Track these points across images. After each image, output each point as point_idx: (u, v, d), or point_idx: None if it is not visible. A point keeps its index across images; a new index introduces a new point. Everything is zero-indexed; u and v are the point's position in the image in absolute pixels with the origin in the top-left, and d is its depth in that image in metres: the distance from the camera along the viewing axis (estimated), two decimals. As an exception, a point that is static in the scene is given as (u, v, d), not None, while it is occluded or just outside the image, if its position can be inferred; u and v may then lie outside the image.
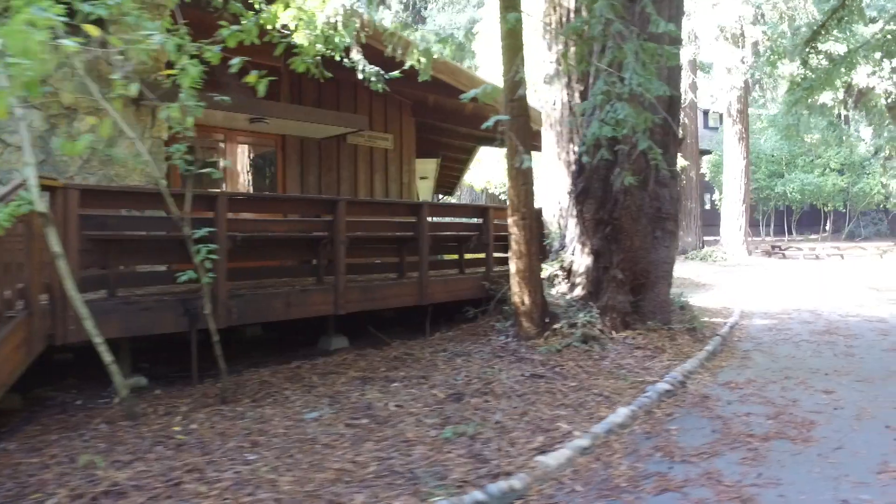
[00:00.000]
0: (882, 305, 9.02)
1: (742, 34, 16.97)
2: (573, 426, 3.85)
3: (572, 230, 6.46)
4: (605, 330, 5.82)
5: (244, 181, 9.00)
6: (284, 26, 5.91)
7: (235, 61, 4.18)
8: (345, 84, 9.16)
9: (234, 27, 4.38)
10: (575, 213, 6.26)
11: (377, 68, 6.50)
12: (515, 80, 5.47)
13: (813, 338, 6.75)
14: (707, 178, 25.70)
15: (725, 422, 4.00)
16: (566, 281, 6.45)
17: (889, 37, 6.80)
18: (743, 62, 16.15)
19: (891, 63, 7.58)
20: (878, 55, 7.27)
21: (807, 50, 7.35)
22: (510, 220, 5.75)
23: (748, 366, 5.52)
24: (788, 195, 24.27)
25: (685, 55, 17.88)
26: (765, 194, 25.28)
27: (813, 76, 7.10)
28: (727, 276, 13.76)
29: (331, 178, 9.68)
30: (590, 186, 6.03)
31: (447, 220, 8.06)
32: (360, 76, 6.56)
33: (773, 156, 25.04)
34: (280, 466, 3.29)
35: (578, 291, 6.19)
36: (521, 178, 5.67)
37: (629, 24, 5.17)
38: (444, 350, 5.82)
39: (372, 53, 6.97)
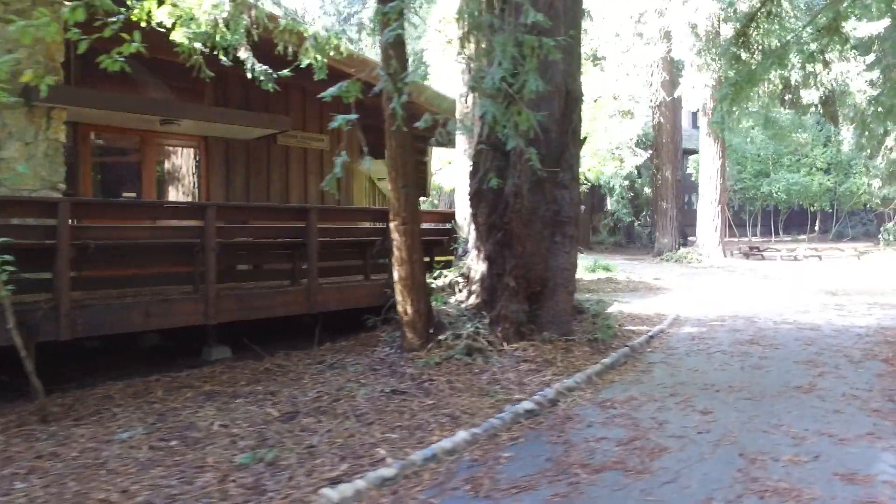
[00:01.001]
0: (826, 311, 8.59)
1: (717, 32, 16.51)
2: (393, 452, 3.51)
3: (472, 235, 6.12)
4: (496, 341, 5.46)
5: (161, 185, 8.73)
6: (160, 24, 5.62)
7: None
8: (276, 84, 8.86)
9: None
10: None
11: (265, 67, 6.18)
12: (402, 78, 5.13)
13: (732, 348, 6.35)
14: (694, 179, 25.20)
15: (569, 448, 3.64)
16: (466, 289, 6.11)
17: (820, 30, 6.42)
18: (714, 60, 15.67)
19: (823, 57, 7.21)
20: (812, 49, 6.88)
21: (738, 44, 6.96)
22: (391, 226, 5.41)
23: (641, 381, 5.14)
24: (774, 195, 23.73)
25: (658, 53, 17.47)
26: (751, 194, 24.75)
27: (741, 73, 6.72)
28: (691, 279, 13.33)
29: (260, 180, 9.38)
30: (482, 189, 5.68)
31: (366, 224, 7.74)
32: (248, 75, 6.25)
33: (758, 155, 24.51)
34: (39, 498, 3.00)
35: (473, 300, 5.84)
36: (401, 181, 5.34)
37: (506, 16, 4.83)
38: (322, 362, 5.50)
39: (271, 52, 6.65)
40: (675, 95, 17.67)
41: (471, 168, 5.96)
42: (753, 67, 6.60)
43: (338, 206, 9.05)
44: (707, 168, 18.00)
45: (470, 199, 5.83)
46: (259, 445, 3.60)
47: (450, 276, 6.30)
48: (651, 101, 18.75)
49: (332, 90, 4.72)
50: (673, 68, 18.65)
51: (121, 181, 8.77)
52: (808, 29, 6.56)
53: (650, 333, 6.90)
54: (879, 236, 19.53)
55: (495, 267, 5.65)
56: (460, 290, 6.15)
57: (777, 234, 25.67)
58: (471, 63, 6.10)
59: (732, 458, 3.44)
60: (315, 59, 6.35)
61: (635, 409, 4.36)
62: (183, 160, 8.93)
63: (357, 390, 4.61)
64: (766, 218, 26.25)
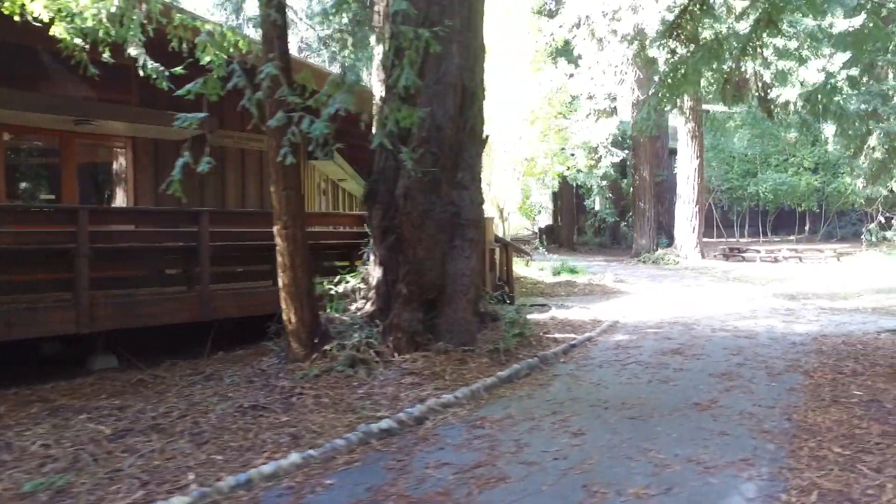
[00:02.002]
0: (773, 317, 8.20)
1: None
2: (206, 478, 3.20)
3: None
4: (387, 352, 5.15)
5: (85, 187, 8.48)
6: (37, 18, 5.35)
7: None
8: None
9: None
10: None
11: (157, 65, 5.90)
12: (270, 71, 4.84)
13: (652, 358, 6.00)
14: (682, 179, 24.71)
15: (400, 476, 3.32)
16: (365, 296, 5.80)
17: (759, 24, 6.06)
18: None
19: (761, 52, 6.84)
20: (754, 44, 6.51)
21: (671, 37, 6.59)
22: (274, 230, 5.11)
23: (532, 396, 4.81)
24: (761, 195, 23.22)
25: (632, 50, 17.05)
26: (738, 194, 24.25)
27: (673, 68, 6.35)
28: (656, 282, 12.95)
29: (192, 182, 9.08)
30: (377, 190, 5.36)
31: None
32: (140, 73, 5.97)
33: (746, 155, 24.00)
34: None
35: (369, 307, 5.53)
36: (282, 183, 5.03)
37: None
38: (201, 373, 5.21)
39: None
40: (651, 93, 17.25)
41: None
42: (684, 61, 6.25)
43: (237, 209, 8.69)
44: (685, 168, 17.60)
45: (364, 201, 5.52)
46: (67, 469, 3.31)
47: (352, 281, 6.01)
48: (631, 100, 18.35)
49: (191, 86, 4.43)
50: (648, 66, 18.25)
51: (40, 183, 8.53)
52: (744, 23, 6.22)
53: (573, 342, 6.57)
54: (862, 237, 19.03)
55: (390, 273, 5.34)
56: (361, 297, 5.85)
57: (766, 234, 25.15)
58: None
59: (572, 491, 3.11)
60: (215, 55, 6.05)
61: (504, 430, 4.03)
62: (109, 161, 8.67)
63: (215, 405, 4.31)
64: (754, 218, 25.73)
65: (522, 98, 11.35)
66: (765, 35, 6.31)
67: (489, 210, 12.66)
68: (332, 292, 5.91)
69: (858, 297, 10.25)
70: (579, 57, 17.78)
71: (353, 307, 5.83)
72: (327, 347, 5.08)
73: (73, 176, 8.01)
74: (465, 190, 5.36)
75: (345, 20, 4.77)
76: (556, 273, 13.79)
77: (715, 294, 11.05)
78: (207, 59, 6.12)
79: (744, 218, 25.87)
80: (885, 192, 17.81)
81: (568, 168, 15.91)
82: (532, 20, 12.51)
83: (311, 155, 10.90)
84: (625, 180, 24.22)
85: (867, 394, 4.82)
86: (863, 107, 17.07)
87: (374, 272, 5.53)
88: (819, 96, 7.81)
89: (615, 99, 17.25)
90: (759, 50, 6.55)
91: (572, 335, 6.95)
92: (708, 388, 4.96)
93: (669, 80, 6.64)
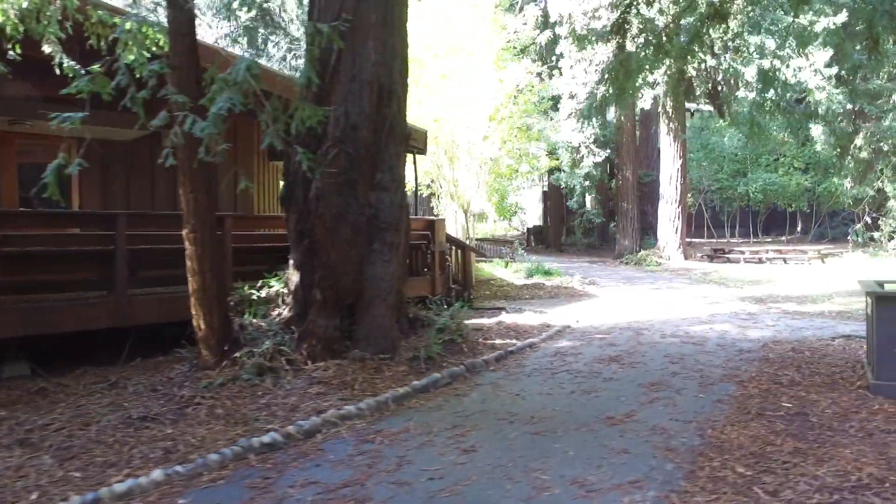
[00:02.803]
0: (729, 323, 7.95)
1: (679, 26, 15.85)
2: (51, 497, 3.04)
3: (298, 242, 5.63)
4: (300, 359, 4.97)
5: (28, 189, 8.33)
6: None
7: None
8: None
9: None
10: (291, 222, 5.42)
11: (72, 63, 5.72)
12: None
13: (587, 367, 5.79)
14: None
15: (259, 496, 3.11)
16: (286, 301, 5.62)
17: (706, 17, 5.83)
18: (666, 55, 15.00)
19: (710, 48, 6.63)
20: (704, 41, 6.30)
21: (617, 32, 6.37)
22: (183, 233, 4.95)
23: (442, 408, 4.60)
24: (751, 195, 22.88)
25: (610, 49, 16.78)
26: (728, 194, 23.92)
27: (618, 65, 6.13)
28: (628, 285, 12.71)
29: (142, 184, 8.95)
30: (292, 193, 5.18)
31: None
32: (57, 71, 5.80)
33: (736, 154, 23.66)
34: None
35: (287, 313, 5.35)
36: (190, 185, 4.86)
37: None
38: (108, 381, 5.04)
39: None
40: (588, 93, 17.00)
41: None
42: (628, 57, 6.03)
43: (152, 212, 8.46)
44: (667, 168, 17.33)
45: (281, 204, 5.34)
46: None
47: (276, 286, 5.83)
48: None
49: (80, 83, 4.26)
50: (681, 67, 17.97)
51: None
52: (690, 18, 5.99)
53: (511, 348, 6.36)
54: (849, 238, 18.69)
55: (307, 277, 5.16)
56: (283, 303, 5.67)
57: (756, 235, 24.80)
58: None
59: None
60: (141, 53, 5.88)
61: (394, 445, 3.84)
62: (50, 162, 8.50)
63: (103, 416, 4.14)
64: (745, 219, 25.37)
65: (486, 97, 11.13)
66: (712, 30, 6.08)
67: (453, 211, 12.43)
68: (255, 297, 5.74)
69: (828, 301, 9.99)
70: (561, 55, 17.55)
71: (275, 313, 5.66)
72: (238, 355, 4.90)
73: (13, 177, 7.87)
74: (385, 191, 5.16)
75: (252, 14, 4.58)
76: (529, 275, 13.58)
77: (682, 297, 10.81)
78: (131, 57, 5.95)
79: (734, 218, 25.53)
80: (871, 193, 17.47)
81: (533, 169, 15.65)
82: (498, 16, 12.28)
83: (272, 156, 10.75)
84: (613, 181, 23.96)
85: (796, 406, 4.61)
86: (849, 106, 16.81)
87: (293, 277, 5.35)
88: (768, 94, 7.55)
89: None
90: (707, 45, 6.31)
91: (514, 341, 6.75)
92: (630, 400, 4.75)
93: (613, 78, 6.40)
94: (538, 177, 21.90)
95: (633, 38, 6.48)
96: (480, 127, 11.41)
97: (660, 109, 17.29)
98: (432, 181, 13.04)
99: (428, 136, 12.40)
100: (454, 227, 13.32)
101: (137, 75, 5.12)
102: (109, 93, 4.48)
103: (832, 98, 14.75)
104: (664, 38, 5.93)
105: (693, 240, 24.28)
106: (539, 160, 14.04)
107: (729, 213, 25.21)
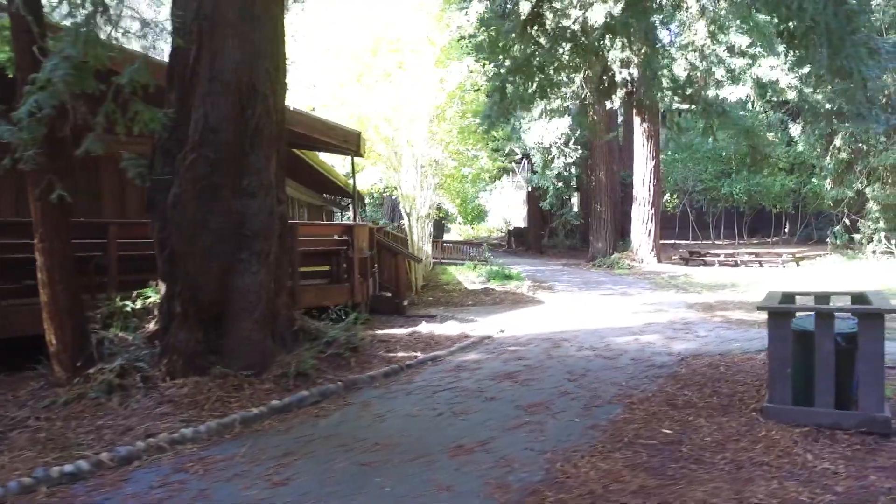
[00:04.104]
0: (659, 333, 7.57)
1: (654, 26, 15.44)
2: None
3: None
4: (159, 375, 4.72)
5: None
6: None
7: None
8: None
9: None
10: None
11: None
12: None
13: (477, 384, 5.49)
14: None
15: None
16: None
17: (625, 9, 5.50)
18: (636, 53, 14.61)
19: (629, 45, 6.27)
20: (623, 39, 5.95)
21: (529, 27, 6.01)
22: (35, 244, 4.71)
23: (290, 431, 4.29)
24: (735, 196, 22.40)
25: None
26: (713, 195, 23.45)
27: (525, 61, 5.77)
28: (581, 290, 12.37)
29: (91, 190, 8.66)
30: (155, 199, 4.92)
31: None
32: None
33: (720, 155, 23.18)
34: None
35: (153, 326, 5.11)
36: (38, 192, 4.62)
37: None
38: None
39: None
40: (600, 89, 16.60)
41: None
42: (534, 54, 5.70)
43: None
44: (640, 169, 16.96)
45: (146, 211, 5.09)
46: None
47: (153, 297, 5.60)
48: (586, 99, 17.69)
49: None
50: (605, 64, 17.56)
51: None
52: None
53: (409, 363, 6.08)
54: (828, 240, 18.20)
55: (169, 289, 4.91)
56: (154, 316, 5.43)
57: (742, 236, 24.31)
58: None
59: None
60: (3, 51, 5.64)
61: (206, 475, 3.57)
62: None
63: (-83, 441, 3.93)
64: (730, 220, 24.89)
65: (427, 97, 10.83)
66: (633, 21, 5.73)
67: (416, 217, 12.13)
68: (129, 309, 5.50)
69: (779, 310, 9.62)
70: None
71: (150, 325, 5.41)
72: (91, 371, 4.67)
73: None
74: (252, 198, 4.89)
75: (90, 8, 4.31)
76: (490, 279, 13.29)
77: (629, 304, 10.47)
78: (3, 56, 5.72)
79: (719, 219, 25.06)
80: (850, 194, 16.98)
81: (480, 170, 15.30)
82: (444, 13, 11.98)
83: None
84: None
85: (675, 433, 4.29)
86: (828, 106, 16.33)
87: (161, 288, 5.11)
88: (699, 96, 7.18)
89: (567, 98, 16.63)
90: (627, 41, 5.96)
91: (418, 354, 6.47)
92: (497, 425, 4.45)
93: (517, 76, 6.06)
94: (523, 178, 21.50)
95: (548, 34, 6.13)
96: (421, 128, 11.12)
97: (633, 108, 16.90)
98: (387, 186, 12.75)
99: (382, 139, 12.11)
100: (420, 231, 13.02)
101: None
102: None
103: (806, 97, 14.33)
104: (582, 33, 5.59)
105: (677, 241, 23.86)
106: (479, 161, 13.69)
107: (714, 215, 24.73)
